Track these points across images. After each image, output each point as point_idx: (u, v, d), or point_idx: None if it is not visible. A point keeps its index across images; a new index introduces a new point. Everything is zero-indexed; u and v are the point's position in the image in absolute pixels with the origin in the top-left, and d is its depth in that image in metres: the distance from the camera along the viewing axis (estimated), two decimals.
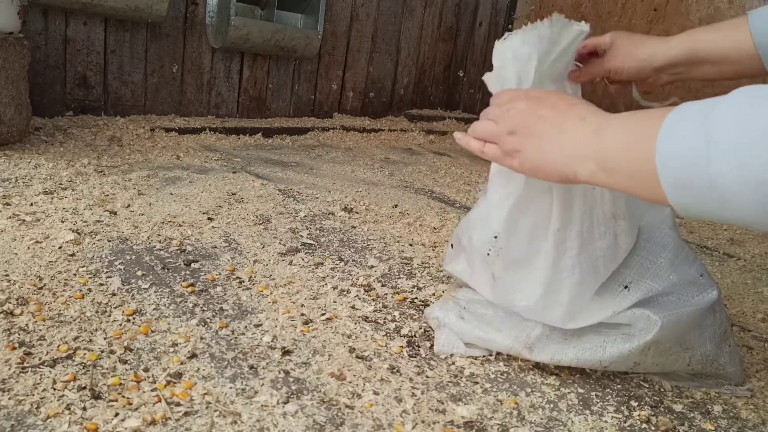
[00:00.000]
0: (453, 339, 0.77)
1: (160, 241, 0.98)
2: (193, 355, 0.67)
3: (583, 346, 0.72)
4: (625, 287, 0.72)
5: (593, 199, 0.71)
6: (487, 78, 0.72)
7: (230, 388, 0.63)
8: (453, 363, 0.74)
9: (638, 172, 0.50)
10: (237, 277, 0.89)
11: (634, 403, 0.70)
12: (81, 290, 0.78)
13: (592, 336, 0.73)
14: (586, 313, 0.72)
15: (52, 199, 1.08)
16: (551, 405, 0.68)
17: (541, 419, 0.65)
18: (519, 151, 0.60)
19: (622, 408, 0.69)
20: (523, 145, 0.60)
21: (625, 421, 0.66)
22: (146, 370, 0.64)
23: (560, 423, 0.65)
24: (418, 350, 0.76)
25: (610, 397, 0.71)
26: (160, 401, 0.58)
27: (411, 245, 1.13)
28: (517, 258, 0.73)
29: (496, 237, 0.73)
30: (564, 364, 0.73)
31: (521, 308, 0.74)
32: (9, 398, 0.56)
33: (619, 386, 0.74)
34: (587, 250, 0.71)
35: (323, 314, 0.81)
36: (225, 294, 0.84)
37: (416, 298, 0.91)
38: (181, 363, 0.66)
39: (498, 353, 0.77)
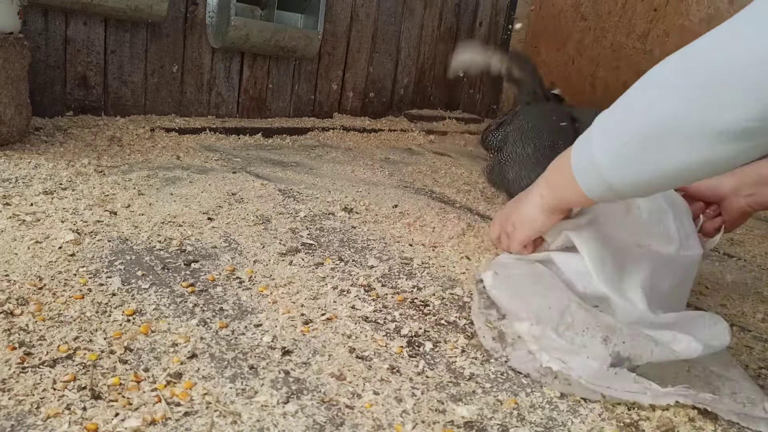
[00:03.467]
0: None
1: (160, 241, 0.98)
2: (193, 355, 0.67)
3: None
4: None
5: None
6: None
7: (230, 388, 0.63)
8: (453, 363, 0.74)
9: (564, 178, 0.73)
10: (237, 277, 0.89)
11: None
12: (81, 290, 0.78)
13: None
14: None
15: (52, 199, 1.08)
16: (551, 405, 0.68)
17: (541, 419, 0.65)
18: (514, 224, 0.88)
19: (623, 407, 0.69)
20: (513, 220, 0.88)
21: (625, 421, 0.66)
22: (146, 370, 0.64)
23: (560, 423, 0.65)
24: (418, 350, 0.76)
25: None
26: (160, 401, 0.58)
27: (411, 245, 1.13)
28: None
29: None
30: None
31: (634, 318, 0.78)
32: (9, 398, 0.56)
33: None
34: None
35: (323, 314, 0.81)
36: (225, 294, 0.84)
37: (416, 298, 0.91)
38: (181, 363, 0.66)
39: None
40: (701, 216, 0.94)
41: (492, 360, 0.76)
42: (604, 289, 0.79)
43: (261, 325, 0.77)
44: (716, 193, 0.92)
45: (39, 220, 0.98)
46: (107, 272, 0.85)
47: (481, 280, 0.86)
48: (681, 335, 0.73)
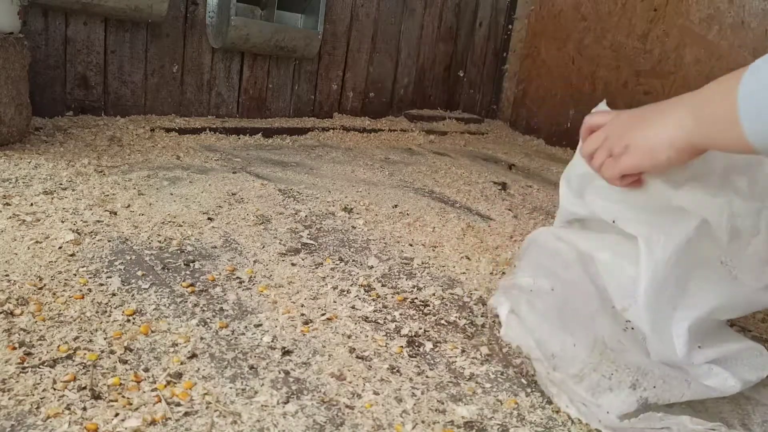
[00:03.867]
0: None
1: (160, 241, 0.98)
2: (193, 355, 0.67)
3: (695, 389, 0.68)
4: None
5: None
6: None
7: (230, 388, 0.63)
8: (453, 363, 0.74)
9: (722, 112, 0.57)
10: (237, 277, 0.89)
11: None
12: (81, 290, 0.78)
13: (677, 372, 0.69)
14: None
15: (52, 199, 1.08)
16: (551, 405, 0.68)
17: (541, 419, 0.65)
18: (628, 146, 0.68)
19: None
20: (628, 142, 0.68)
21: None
22: (146, 370, 0.64)
23: (560, 423, 0.65)
24: (418, 350, 0.76)
25: None
26: (160, 401, 0.58)
27: (411, 245, 1.13)
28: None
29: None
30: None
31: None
32: (9, 398, 0.56)
33: None
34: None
35: (323, 314, 0.81)
36: (225, 294, 0.84)
37: (416, 298, 0.91)
38: (181, 363, 0.66)
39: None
40: None
41: (492, 360, 0.76)
42: (643, 326, 0.71)
43: (261, 325, 0.77)
44: None
45: (39, 220, 0.98)
46: (107, 272, 0.85)
47: (497, 315, 0.77)
48: (718, 369, 0.69)
